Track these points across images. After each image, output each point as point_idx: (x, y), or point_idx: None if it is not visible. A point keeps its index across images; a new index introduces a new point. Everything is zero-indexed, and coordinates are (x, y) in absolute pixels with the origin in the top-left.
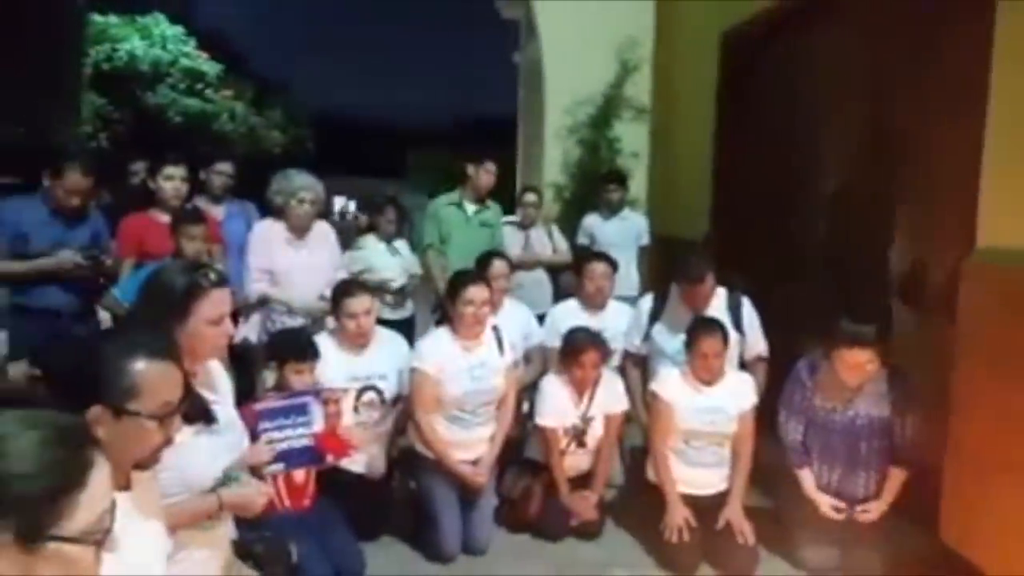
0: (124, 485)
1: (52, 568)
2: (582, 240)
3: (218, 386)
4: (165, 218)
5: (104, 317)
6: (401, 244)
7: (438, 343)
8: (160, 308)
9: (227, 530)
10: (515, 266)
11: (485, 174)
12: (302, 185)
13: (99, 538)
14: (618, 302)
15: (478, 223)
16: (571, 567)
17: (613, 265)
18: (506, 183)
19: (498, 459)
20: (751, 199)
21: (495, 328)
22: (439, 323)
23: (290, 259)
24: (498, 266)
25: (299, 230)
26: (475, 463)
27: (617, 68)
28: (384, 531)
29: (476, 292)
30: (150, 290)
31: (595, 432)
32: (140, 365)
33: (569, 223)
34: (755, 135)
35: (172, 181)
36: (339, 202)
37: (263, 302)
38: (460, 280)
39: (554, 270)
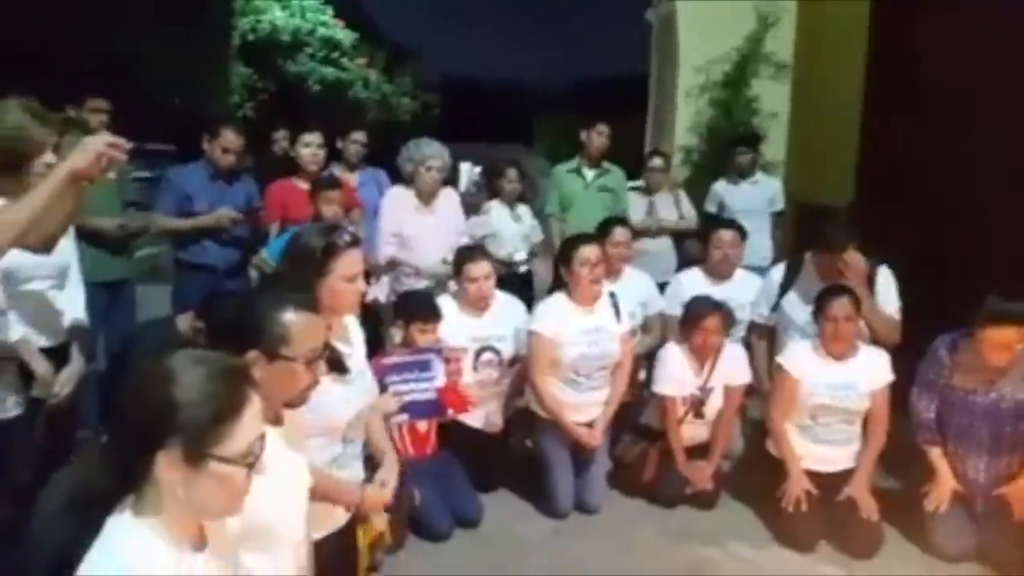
0: (275, 421)
1: (210, 483)
2: (710, 207)
3: (352, 339)
4: (305, 184)
5: (253, 276)
6: (524, 210)
7: (555, 307)
8: (301, 267)
9: (358, 471)
10: (638, 233)
11: (597, 137)
12: (430, 153)
13: (251, 461)
14: (746, 271)
15: (597, 188)
16: (684, 534)
17: (742, 233)
18: (635, 147)
19: (613, 424)
20: (903, 163)
21: (612, 295)
22: (551, 290)
23: (418, 224)
24: (619, 233)
25: (427, 196)
26: (589, 425)
27: (756, 23)
28: (500, 484)
29: (589, 252)
30: (293, 251)
31: (714, 403)
32: (290, 316)
33: (700, 188)
34: (911, 93)
35: (310, 148)
36: (464, 168)
37: (392, 265)
38: (574, 242)
39: (680, 238)
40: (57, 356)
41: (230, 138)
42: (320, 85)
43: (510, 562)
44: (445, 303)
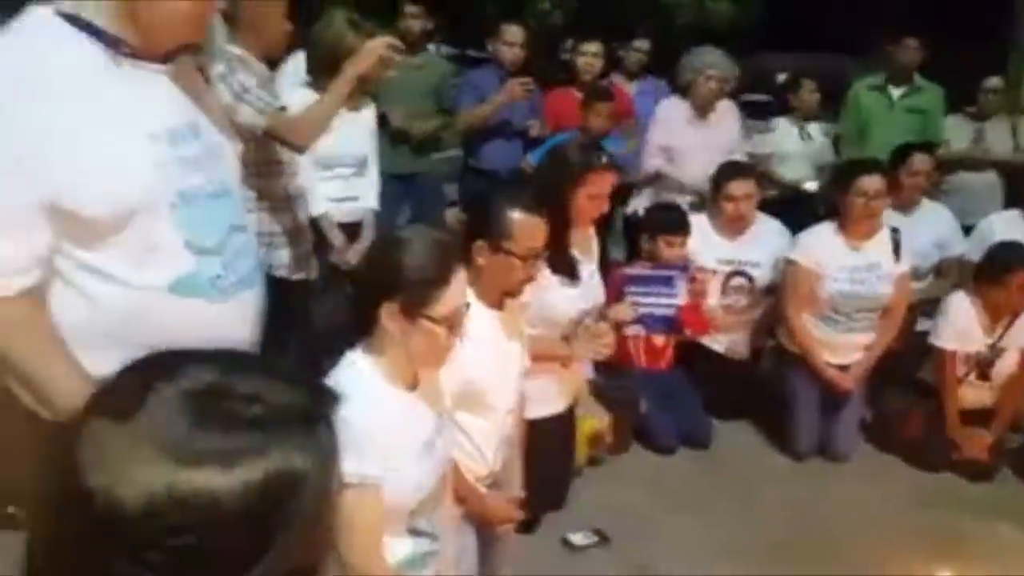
0: (496, 305)
1: (420, 337)
2: None
3: (588, 248)
4: (580, 94)
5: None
6: (815, 129)
7: (822, 237)
8: (556, 177)
9: (581, 369)
10: (958, 163)
11: (907, 49)
12: (709, 63)
13: (453, 323)
14: None
15: (904, 109)
16: (939, 503)
17: None
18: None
19: (877, 373)
20: None
21: (895, 231)
22: (826, 216)
23: (688, 137)
24: (918, 160)
25: (702, 108)
26: (845, 369)
27: None
28: (740, 414)
29: (869, 183)
30: (550, 159)
31: (1005, 366)
32: (517, 215)
33: None
34: None
35: (586, 57)
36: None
37: (657, 177)
38: (853, 168)
39: (1014, 175)
40: (351, 232)
41: (512, 32)
42: None
43: (734, 491)
44: (699, 220)
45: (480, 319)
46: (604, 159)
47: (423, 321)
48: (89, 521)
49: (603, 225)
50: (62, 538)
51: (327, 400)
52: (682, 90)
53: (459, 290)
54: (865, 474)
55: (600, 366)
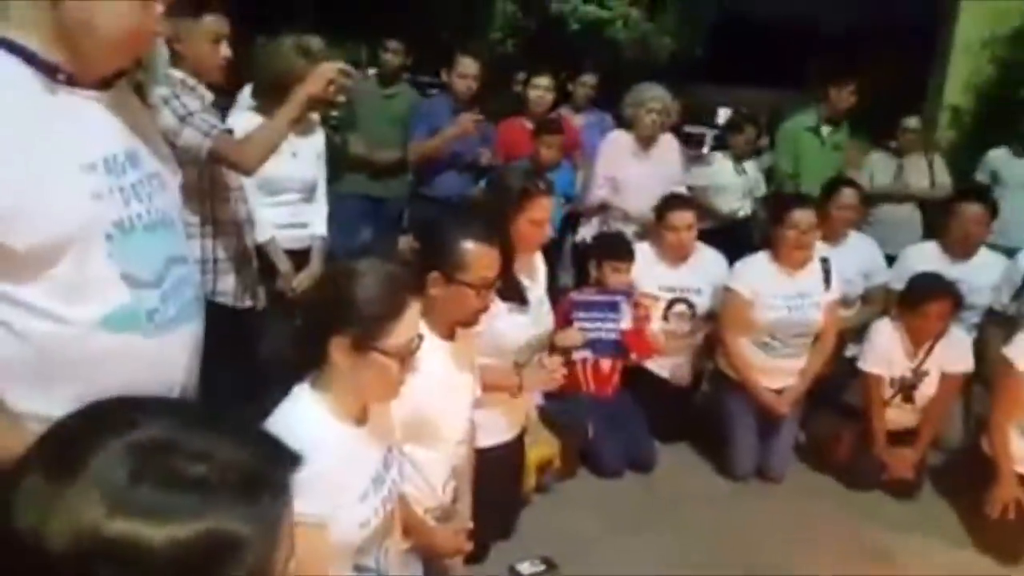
0: (448, 336)
1: (371, 370)
2: (981, 177)
3: (534, 274)
4: (531, 125)
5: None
6: (751, 165)
7: (757, 267)
8: (497, 203)
9: (530, 398)
10: (881, 197)
11: (844, 96)
12: (650, 97)
13: (405, 356)
14: (992, 252)
15: (831, 147)
16: (869, 519)
17: (993, 209)
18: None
19: (808, 397)
20: None
21: (825, 260)
22: (761, 247)
23: (633, 169)
24: (847, 195)
25: (645, 141)
26: (780, 392)
27: None
28: (681, 437)
29: (801, 216)
30: (493, 186)
31: (927, 389)
32: (470, 245)
33: (962, 155)
34: None
35: (538, 91)
36: (723, 114)
37: (602, 208)
38: (787, 202)
39: (928, 208)
40: (299, 259)
41: (466, 64)
42: (579, 23)
43: (678, 511)
44: (642, 248)
45: (431, 350)
46: (542, 185)
47: (374, 355)
48: (20, 560)
49: (552, 252)
50: None
51: (282, 462)
52: (626, 123)
53: (411, 322)
54: (799, 493)
55: (549, 393)
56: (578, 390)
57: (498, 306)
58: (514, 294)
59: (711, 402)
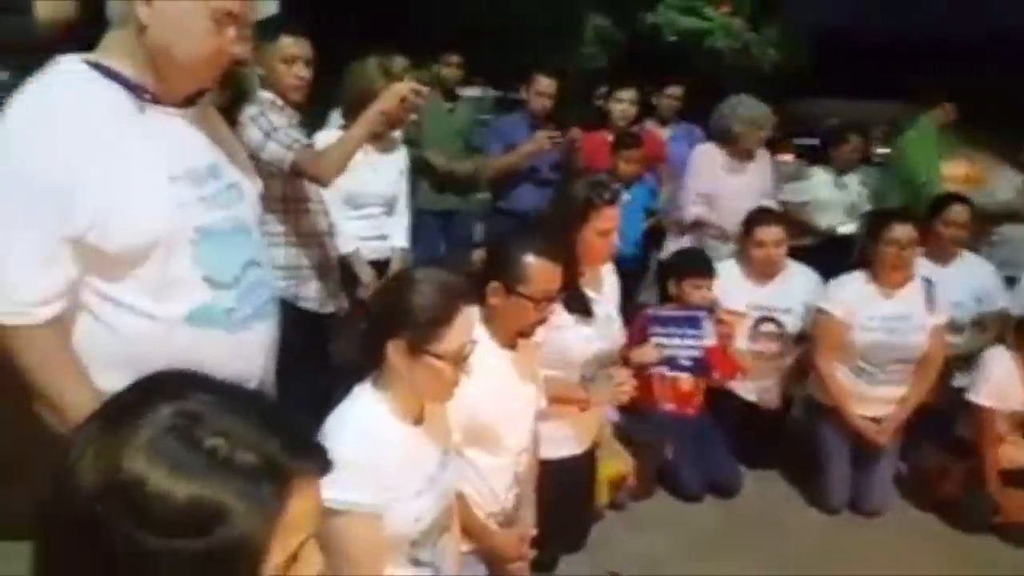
0: (510, 345)
1: (425, 372)
2: None
3: (603, 287)
4: (612, 138)
5: None
6: (852, 179)
7: (853, 286)
8: (562, 214)
9: (601, 412)
10: (1004, 216)
11: (951, 112)
12: (755, 115)
13: (457, 360)
14: None
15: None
16: (980, 565)
17: None
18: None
19: (910, 427)
20: None
21: (928, 281)
22: (856, 265)
23: (728, 184)
24: (956, 211)
25: (741, 155)
26: (877, 421)
27: None
28: (770, 464)
29: (901, 232)
30: (559, 198)
31: None
32: (531, 259)
33: None
34: None
35: (621, 104)
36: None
37: (697, 225)
38: (885, 217)
39: None
40: (381, 269)
41: (543, 83)
42: (676, 35)
43: (761, 541)
44: (727, 265)
45: (492, 358)
46: (607, 195)
47: (428, 358)
48: (56, 499)
49: (633, 270)
50: (48, 518)
51: (302, 456)
52: (719, 136)
53: (463, 328)
54: (899, 531)
55: (626, 409)
56: (657, 409)
57: (563, 318)
58: (580, 307)
59: (803, 428)
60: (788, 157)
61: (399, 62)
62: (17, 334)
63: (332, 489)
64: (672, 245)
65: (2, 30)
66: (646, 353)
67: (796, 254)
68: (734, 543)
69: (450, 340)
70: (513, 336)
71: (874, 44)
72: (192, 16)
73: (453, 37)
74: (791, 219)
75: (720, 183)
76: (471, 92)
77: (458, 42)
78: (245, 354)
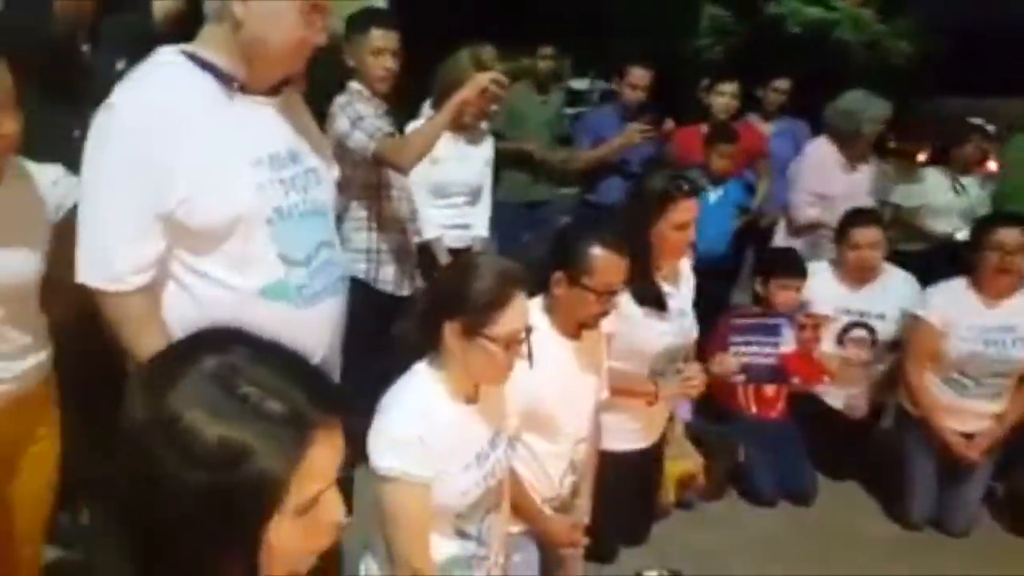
0: (572, 335)
1: (479, 354)
2: None
3: (679, 282)
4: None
5: None
6: (970, 181)
7: (952, 293)
8: (638, 207)
9: (667, 408)
10: None
11: None
12: (879, 111)
13: (510, 344)
14: None
15: None
16: None
17: None
18: None
19: (1006, 445)
20: None
21: None
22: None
23: (843, 184)
24: None
25: (858, 156)
26: (970, 437)
27: None
28: (851, 475)
29: (1007, 236)
30: (636, 189)
31: None
32: (597, 251)
33: None
34: None
35: (723, 97)
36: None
37: (812, 227)
38: (991, 221)
39: None
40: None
41: (636, 75)
42: (800, 26)
43: (834, 551)
44: (820, 267)
45: (553, 346)
46: (685, 187)
47: (481, 340)
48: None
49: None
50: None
51: (325, 409)
52: (840, 133)
53: (517, 314)
54: (986, 554)
55: (704, 409)
56: (739, 411)
57: (635, 310)
58: (652, 300)
59: (890, 440)
60: (922, 156)
61: (488, 52)
62: (112, 299)
63: (385, 457)
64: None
65: (123, 24)
66: (724, 363)
67: (908, 259)
68: (802, 550)
69: (503, 324)
70: (575, 326)
71: (1009, 38)
72: (283, 11)
73: (560, 27)
74: (904, 223)
75: (835, 182)
76: (579, 84)
77: (562, 33)
78: (312, 328)
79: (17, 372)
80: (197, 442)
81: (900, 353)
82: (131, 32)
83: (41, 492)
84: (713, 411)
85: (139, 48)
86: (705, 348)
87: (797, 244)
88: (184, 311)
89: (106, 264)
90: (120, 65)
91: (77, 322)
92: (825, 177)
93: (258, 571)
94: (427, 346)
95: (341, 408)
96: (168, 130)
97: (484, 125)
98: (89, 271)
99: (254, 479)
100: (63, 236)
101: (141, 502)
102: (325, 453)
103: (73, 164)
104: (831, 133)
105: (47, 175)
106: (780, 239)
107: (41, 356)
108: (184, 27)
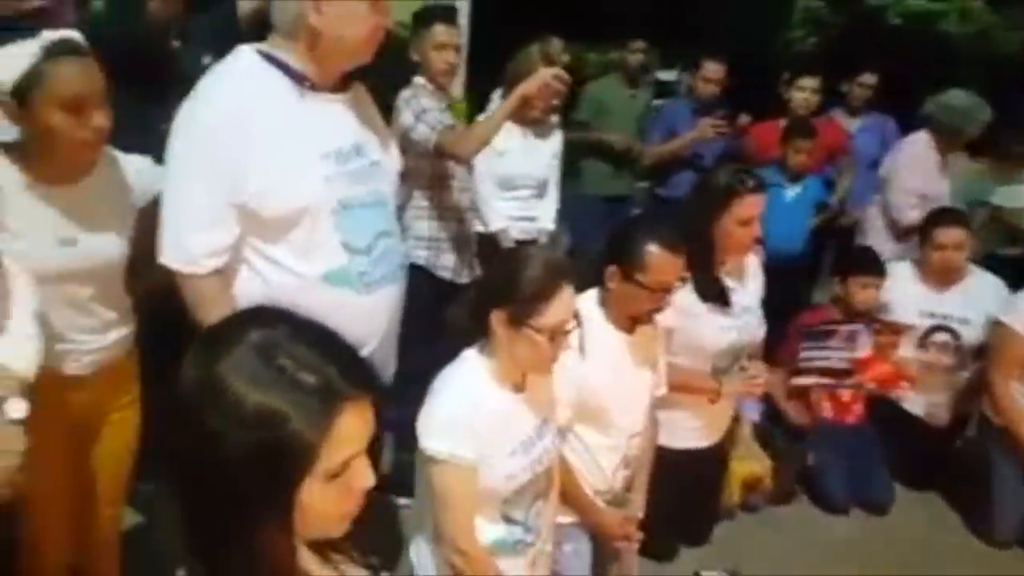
0: (627, 329)
1: (523, 344)
2: None
3: (745, 278)
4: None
5: None
6: None
7: None
8: (703, 203)
9: (732, 408)
10: None
11: None
12: (978, 110)
13: (555, 335)
14: None
15: None
16: None
17: None
18: None
19: None
20: None
21: None
22: None
23: (942, 185)
24: None
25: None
26: None
27: None
28: (931, 485)
29: None
30: (701, 185)
31: None
32: (654, 248)
33: None
34: None
35: (803, 92)
36: None
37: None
38: None
39: None
40: None
41: (710, 68)
42: (902, 17)
43: (908, 563)
44: (901, 267)
45: (606, 338)
46: (751, 182)
47: (527, 330)
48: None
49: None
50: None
51: (355, 383)
52: (944, 132)
53: (563, 306)
54: None
55: (778, 413)
56: (816, 415)
57: (697, 306)
58: (715, 295)
59: (974, 451)
60: None
61: (556, 46)
62: (189, 280)
63: (433, 439)
64: (884, 250)
65: (210, 22)
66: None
67: (1006, 264)
68: (872, 560)
69: (549, 315)
70: (628, 320)
71: None
72: (357, 8)
73: (653, 19)
74: (1004, 225)
75: (935, 183)
76: (666, 75)
77: (653, 24)
78: (371, 313)
79: (103, 344)
80: (239, 406)
81: (984, 360)
82: (217, 29)
83: (122, 455)
84: (778, 413)
85: (225, 44)
86: (776, 348)
87: (897, 249)
88: (254, 294)
89: (183, 248)
90: (206, 60)
91: (160, 301)
92: (925, 177)
93: (293, 529)
94: (477, 333)
95: (371, 384)
96: (242, 126)
97: (554, 119)
98: (168, 254)
99: (287, 442)
100: (148, 221)
101: (191, 460)
102: (354, 423)
103: (160, 156)
104: (934, 130)
105: (133, 164)
106: (878, 241)
107: (124, 331)
108: (266, 24)
